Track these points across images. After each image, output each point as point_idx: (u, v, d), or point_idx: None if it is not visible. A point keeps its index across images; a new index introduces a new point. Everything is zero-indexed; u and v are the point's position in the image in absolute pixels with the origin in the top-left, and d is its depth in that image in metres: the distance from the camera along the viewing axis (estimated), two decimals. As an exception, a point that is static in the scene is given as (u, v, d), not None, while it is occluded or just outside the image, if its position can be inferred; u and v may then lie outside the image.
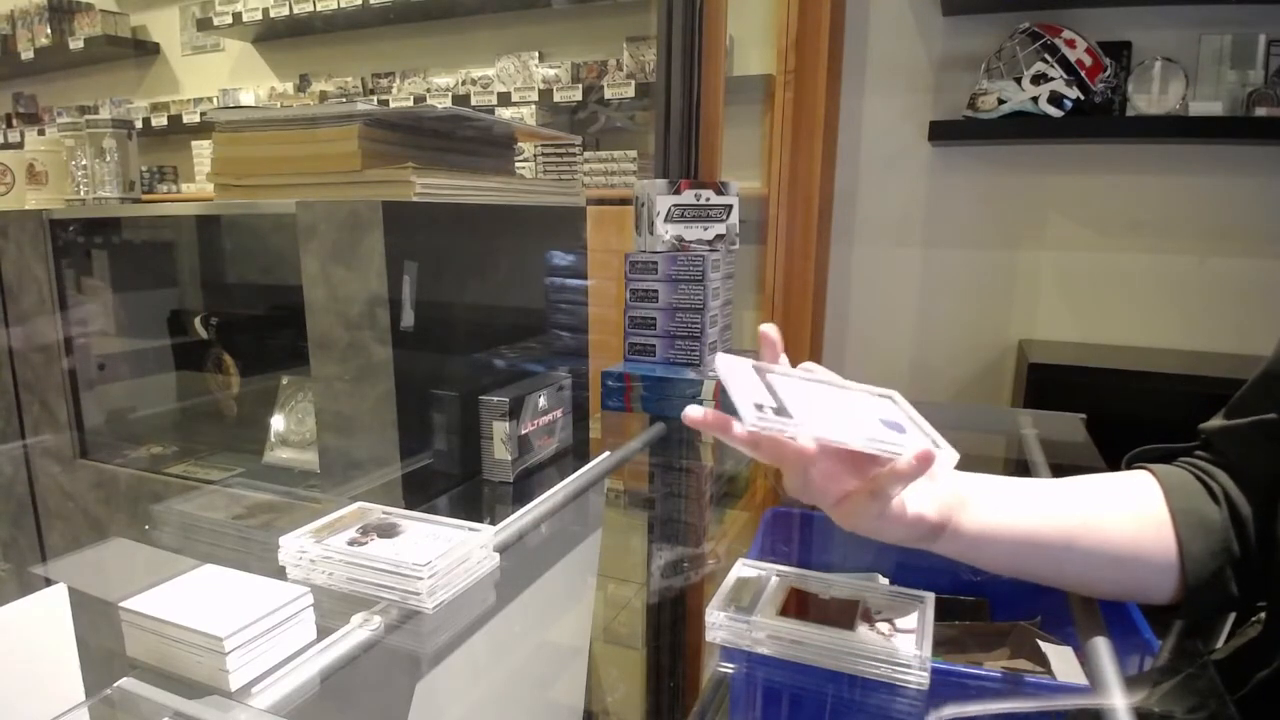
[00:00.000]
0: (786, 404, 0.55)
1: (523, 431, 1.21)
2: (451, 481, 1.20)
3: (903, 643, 0.73)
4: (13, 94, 2.98)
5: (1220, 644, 0.54)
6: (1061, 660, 0.68)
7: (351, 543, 0.89)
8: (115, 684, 0.71)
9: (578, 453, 1.33)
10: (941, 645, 0.85)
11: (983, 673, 0.66)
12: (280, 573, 0.88)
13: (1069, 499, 0.47)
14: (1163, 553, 0.45)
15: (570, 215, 1.54)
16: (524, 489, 1.20)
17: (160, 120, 2.75)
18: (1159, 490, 0.47)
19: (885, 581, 0.95)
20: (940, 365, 2.21)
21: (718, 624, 0.80)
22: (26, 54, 2.84)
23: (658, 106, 1.60)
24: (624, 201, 1.72)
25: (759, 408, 0.52)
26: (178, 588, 0.79)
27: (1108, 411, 1.08)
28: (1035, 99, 1.41)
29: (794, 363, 0.64)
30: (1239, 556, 0.45)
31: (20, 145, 2.20)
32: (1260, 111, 1.37)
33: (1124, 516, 0.46)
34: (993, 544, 0.48)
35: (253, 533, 1.15)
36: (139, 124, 2.70)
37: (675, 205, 1.43)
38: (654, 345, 1.41)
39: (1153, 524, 0.45)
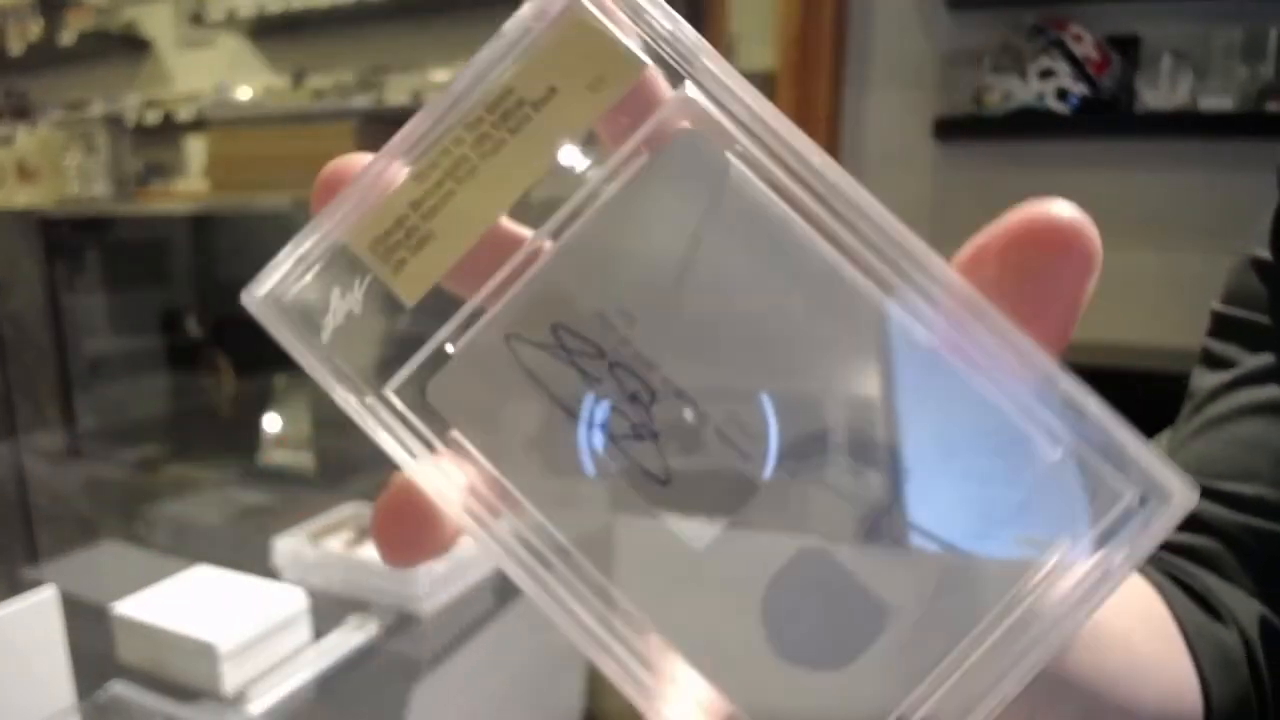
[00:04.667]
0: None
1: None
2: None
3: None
4: (3, 90, 2.95)
5: None
6: None
7: (348, 545, 0.88)
8: (106, 688, 0.70)
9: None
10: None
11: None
12: (275, 575, 0.87)
13: (1101, 638, 0.30)
14: (1189, 708, 0.34)
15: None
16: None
17: (153, 116, 2.73)
18: (1177, 630, 0.35)
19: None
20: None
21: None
22: (17, 49, 2.82)
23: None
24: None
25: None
26: (170, 589, 0.77)
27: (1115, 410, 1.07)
28: (1041, 95, 1.40)
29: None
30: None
31: (11, 142, 2.18)
32: (1272, 107, 1.36)
33: (1158, 666, 0.34)
34: None
35: (247, 535, 1.13)
36: (131, 120, 2.68)
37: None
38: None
39: (1186, 680, 0.34)
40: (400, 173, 0.16)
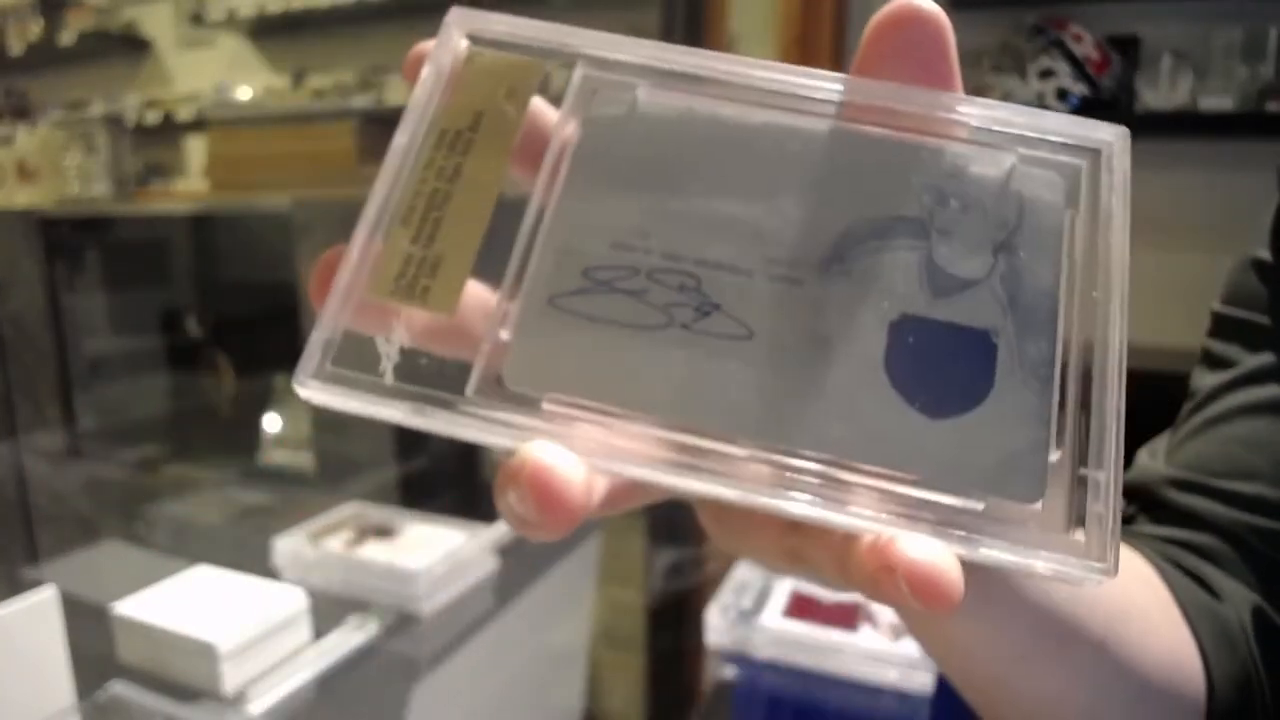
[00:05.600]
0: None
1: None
2: (450, 481, 1.19)
3: (907, 646, 0.72)
4: (3, 89, 2.96)
5: None
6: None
7: (348, 545, 0.88)
8: (106, 688, 0.70)
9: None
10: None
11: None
12: (274, 575, 0.87)
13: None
14: (1193, 684, 0.32)
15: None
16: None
17: (153, 116, 2.73)
18: (1176, 607, 0.34)
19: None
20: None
21: (719, 627, 0.79)
22: (17, 49, 2.82)
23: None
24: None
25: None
26: (170, 589, 0.77)
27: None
28: (1041, 95, 1.40)
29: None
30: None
31: (11, 141, 2.18)
32: (1272, 107, 1.36)
33: (1159, 614, 0.33)
34: (1011, 623, 0.26)
35: (247, 535, 1.13)
36: (131, 120, 2.68)
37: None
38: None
39: (1184, 634, 0.33)
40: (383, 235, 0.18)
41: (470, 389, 0.18)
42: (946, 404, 0.17)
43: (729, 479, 0.17)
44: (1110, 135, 0.18)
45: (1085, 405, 0.17)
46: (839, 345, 0.17)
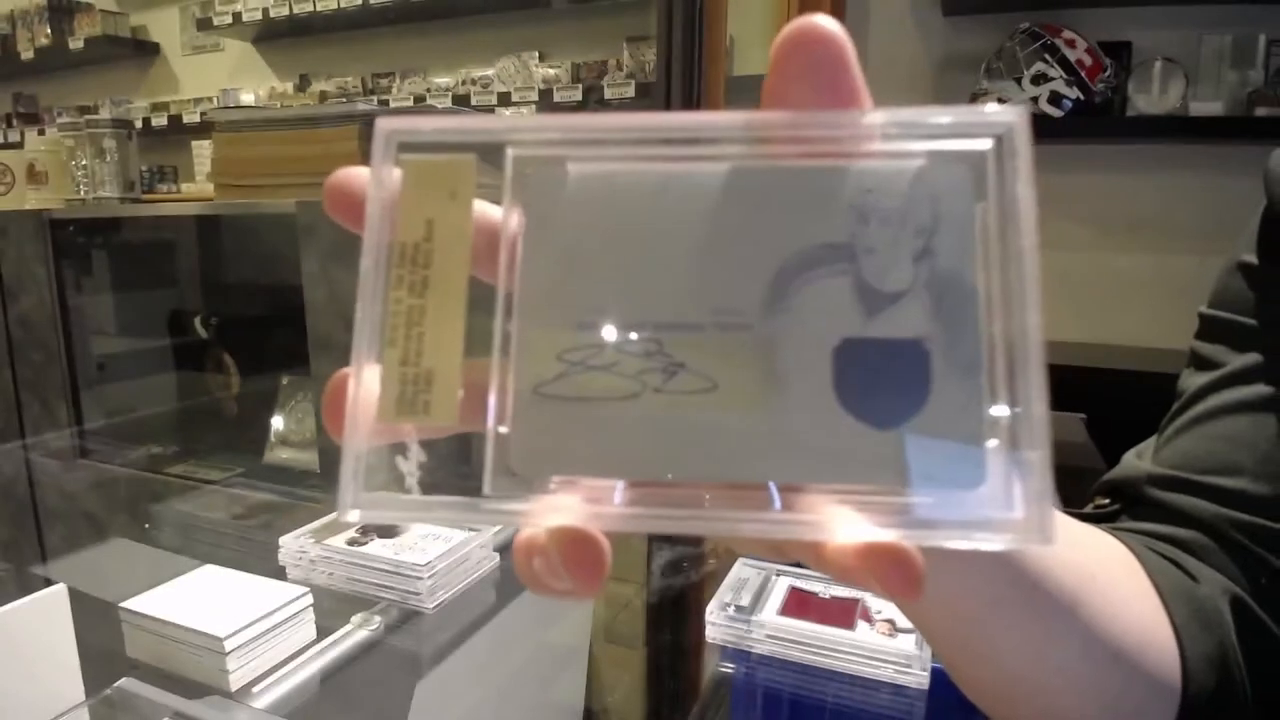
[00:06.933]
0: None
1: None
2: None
3: (903, 642, 0.73)
4: (13, 94, 2.98)
5: None
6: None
7: (351, 543, 0.89)
8: (115, 684, 0.71)
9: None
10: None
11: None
12: (280, 573, 0.88)
13: (1072, 538, 0.31)
14: (1168, 663, 0.32)
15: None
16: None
17: (160, 120, 2.74)
18: (1151, 587, 0.34)
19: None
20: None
21: (718, 623, 0.81)
22: (26, 54, 2.84)
23: (658, 107, 1.60)
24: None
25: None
26: (178, 588, 0.79)
27: (1108, 412, 1.08)
28: (1035, 99, 1.41)
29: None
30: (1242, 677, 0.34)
31: (20, 145, 2.20)
32: (1260, 112, 1.37)
33: (1131, 587, 0.33)
34: (985, 566, 0.27)
35: (253, 533, 1.15)
36: (139, 124, 2.70)
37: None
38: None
39: (1158, 612, 0.33)
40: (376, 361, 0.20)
41: (487, 488, 0.20)
42: (893, 415, 0.19)
43: (720, 518, 0.19)
44: (1011, 117, 0.19)
45: (1013, 392, 0.18)
46: (792, 380, 0.19)
